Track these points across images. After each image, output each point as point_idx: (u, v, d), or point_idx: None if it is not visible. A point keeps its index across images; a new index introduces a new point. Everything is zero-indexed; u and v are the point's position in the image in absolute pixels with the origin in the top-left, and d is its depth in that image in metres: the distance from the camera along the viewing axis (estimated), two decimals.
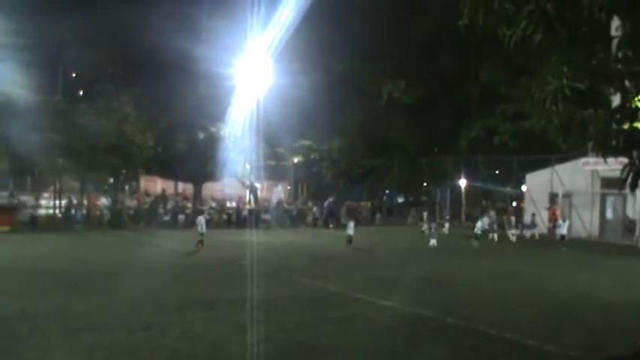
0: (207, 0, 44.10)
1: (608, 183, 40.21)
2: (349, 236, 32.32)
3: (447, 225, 43.50)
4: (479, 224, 36.97)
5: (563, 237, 36.08)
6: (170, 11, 41.20)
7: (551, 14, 7.39)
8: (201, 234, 29.42)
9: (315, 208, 50.50)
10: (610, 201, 42.45)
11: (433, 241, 34.55)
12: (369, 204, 58.92)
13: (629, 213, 40.13)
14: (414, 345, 12.78)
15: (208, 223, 42.95)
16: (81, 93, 49.56)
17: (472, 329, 14.16)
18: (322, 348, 12.21)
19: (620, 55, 7.86)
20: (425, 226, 42.35)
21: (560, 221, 37.53)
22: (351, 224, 33.09)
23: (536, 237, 39.83)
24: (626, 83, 7.95)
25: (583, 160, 40.53)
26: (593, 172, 41.79)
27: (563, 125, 8.61)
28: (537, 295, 19.01)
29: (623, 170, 8.53)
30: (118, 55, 44.33)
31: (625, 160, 8.67)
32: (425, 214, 45.65)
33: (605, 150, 8.67)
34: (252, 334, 12.51)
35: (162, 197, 49.50)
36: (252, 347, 11.67)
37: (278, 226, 45.21)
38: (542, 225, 43.31)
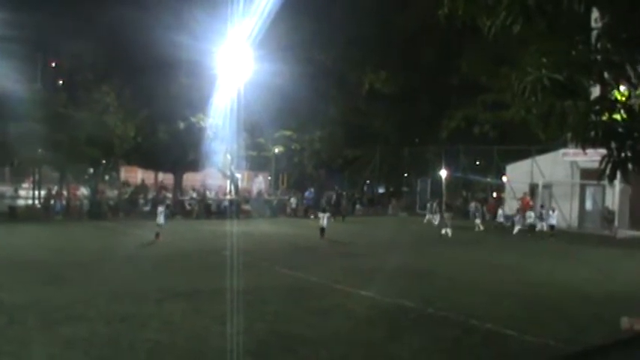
0: None
1: (587, 174, 40.42)
2: (322, 228, 31.66)
3: (435, 216, 43.37)
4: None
5: (552, 227, 36.41)
6: (151, 2, 40.96)
7: (531, 5, 7.40)
8: (159, 225, 28.49)
9: (292, 199, 50.39)
10: (589, 192, 42.72)
11: (447, 230, 35.44)
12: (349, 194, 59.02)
13: (608, 204, 40.35)
14: (395, 335, 12.80)
15: (189, 213, 43.06)
16: (61, 83, 49.21)
17: (453, 320, 14.20)
18: (302, 338, 12.21)
19: (599, 46, 7.88)
20: (428, 216, 42.67)
21: (550, 212, 37.65)
22: (326, 215, 32.51)
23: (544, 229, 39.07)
24: (605, 75, 7.97)
25: (563, 151, 40.69)
26: (573, 163, 42.01)
27: (543, 116, 8.64)
28: (517, 286, 19.09)
29: (601, 162, 8.57)
30: (99, 45, 44.00)
31: (604, 151, 8.71)
32: (431, 204, 45.63)
33: (584, 141, 8.70)
34: (233, 325, 12.48)
35: (143, 187, 49.29)
36: (232, 338, 11.64)
37: (258, 217, 45.14)
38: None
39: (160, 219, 28.63)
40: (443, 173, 54.09)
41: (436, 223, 41.96)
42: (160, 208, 29.66)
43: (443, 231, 35.56)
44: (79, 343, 11.40)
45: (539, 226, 37.64)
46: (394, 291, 17.17)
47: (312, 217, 45.17)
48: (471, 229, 38.27)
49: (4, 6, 35.64)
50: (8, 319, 12.89)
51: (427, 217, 43.32)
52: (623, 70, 7.78)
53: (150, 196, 46.91)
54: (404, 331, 13.16)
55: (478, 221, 40.32)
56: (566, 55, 7.76)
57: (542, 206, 40.22)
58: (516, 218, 39.97)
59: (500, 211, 43.41)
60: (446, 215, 38.13)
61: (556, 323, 14.33)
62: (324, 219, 31.90)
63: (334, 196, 50.55)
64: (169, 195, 47.42)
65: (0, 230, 31.98)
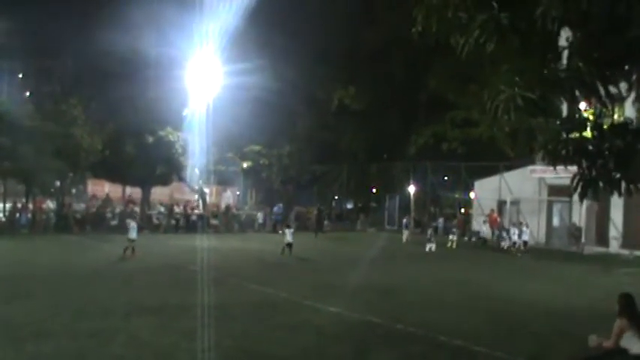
0: (157, 3, 43.72)
1: (555, 190, 40.80)
2: (288, 244, 30.41)
3: (406, 231, 43.40)
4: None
5: (525, 243, 36.79)
6: (119, 15, 40.76)
7: (505, 24, 7.45)
8: (131, 240, 27.61)
9: (259, 214, 50.30)
10: (557, 208, 43.05)
11: (432, 246, 36.12)
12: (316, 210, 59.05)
13: (575, 220, 40.67)
14: (363, 351, 12.77)
15: (157, 227, 42.78)
16: (28, 94, 48.82)
17: (421, 336, 14.20)
18: (270, 355, 12.15)
19: (571, 64, 7.95)
20: (406, 233, 42.75)
21: (523, 228, 37.95)
22: (290, 231, 31.32)
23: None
24: (577, 93, 8.03)
25: (530, 167, 41.02)
26: (541, 180, 42.33)
27: (512, 133, 8.73)
28: (486, 302, 19.16)
29: (572, 179, 8.64)
30: (67, 57, 43.75)
31: (571, 168, 8.78)
32: (407, 221, 45.67)
33: (555, 159, 8.76)
34: (201, 341, 12.38)
35: (108, 201, 48.91)
36: (200, 355, 11.55)
37: (226, 231, 45.00)
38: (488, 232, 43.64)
39: (132, 234, 27.82)
40: (411, 189, 54.39)
41: (404, 239, 42.09)
42: (132, 223, 28.88)
43: (427, 247, 35.95)
44: (45, 358, 11.24)
45: (505, 243, 37.98)
46: (363, 307, 17.15)
47: (280, 232, 45.06)
48: (441, 245, 38.30)
49: None
50: None
51: (405, 233, 43.29)
52: (595, 88, 7.85)
53: (117, 210, 46.51)
54: (372, 347, 13.12)
55: (452, 237, 40.28)
56: (539, 74, 7.81)
57: (514, 224, 40.40)
58: (504, 234, 39.91)
59: (479, 227, 43.65)
60: (429, 231, 38.41)
61: (524, 339, 14.40)
62: (289, 235, 30.90)
63: (315, 212, 50.56)
64: (137, 209, 47.10)
65: None
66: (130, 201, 49.65)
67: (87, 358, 11.46)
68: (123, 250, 27.46)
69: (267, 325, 14.72)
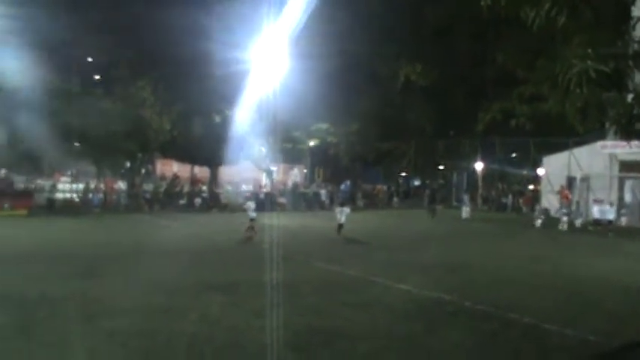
0: None
1: (626, 166, 39.98)
2: (340, 224, 29.40)
3: (467, 209, 43.15)
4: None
5: (610, 222, 36.03)
6: None
7: None
8: (252, 219, 27.53)
9: (322, 192, 50.26)
10: (628, 184, 42.15)
11: (538, 221, 37.30)
12: (385, 187, 58.83)
13: None
14: (432, 329, 12.73)
15: (225, 206, 43.18)
16: (98, 78, 49.63)
17: (491, 313, 14.09)
18: (340, 333, 12.16)
19: None
20: (466, 210, 42.54)
21: (607, 207, 37.19)
22: (346, 210, 30.25)
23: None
24: None
25: (601, 143, 40.25)
26: (612, 156, 41.49)
27: (581, 108, 8.52)
28: (556, 279, 18.93)
29: None
30: (135, 40, 44.28)
31: None
32: (465, 197, 45.46)
33: (628, 134, 8.57)
34: (271, 318, 12.48)
35: (176, 181, 49.49)
36: (270, 332, 11.64)
37: (293, 210, 45.19)
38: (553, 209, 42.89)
39: (252, 213, 27.78)
40: (479, 166, 53.86)
41: (464, 215, 41.81)
42: (250, 204, 28.99)
43: (537, 222, 36.91)
44: (118, 335, 11.46)
45: (579, 221, 37.25)
46: (432, 284, 17.11)
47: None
48: (507, 222, 37.80)
49: (41, 3, 35.96)
50: (49, 312, 12.99)
51: (464, 210, 42.98)
52: None
53: (185, 189, 47.07)
54: (442, 325, 13.07)
55: (565, 218, 37.57)
56: (612, 46, 7.62)
57: (595, 201, 39.52)
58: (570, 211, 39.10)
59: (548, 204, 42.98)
60: (537, 208, 38.25)
61: (596, 317, 14.18)
62: (341, 214, 29.70)
63: (428, 191, 50.50)
64: (204, 188, 47.63)
65: (39, 223, 32.36)
66: (197, 180, 50.21)
67: (160, 334, 11.64)
68: (245, 230, 27.25)
69: (336, 302, 14.75)
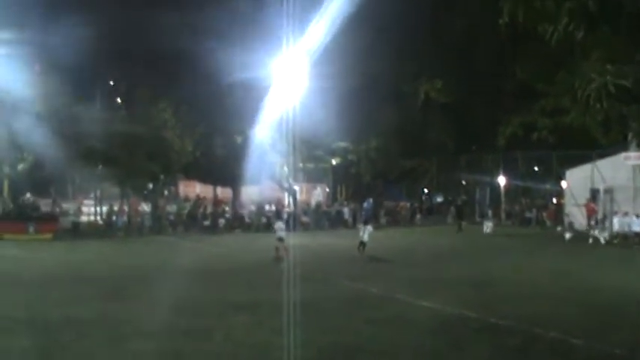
0: (244, 5, 44.17)
1: None
2: (362, 242, 28.85)
3: (489, 224, 42.99)
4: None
5: (637, 234, 35.64)
6: (207, 17, 41.34)
7: (593, 10, 7.30)
8: (281, 239, 27.12)
9: (345, 210, 50.15)
10: None
11: (567, 234, 37.35)
12: (407, 204, 58.69)
13: None
14: (458, 345, 12.71)
15: (249, 226, 43.24)
16: (119, 101, 50.01)
17: (516, 328, 14.05)
18: (364, 350, 12.19)
19: None
20: (488, 225, 42.40)
21: (633, 218, 36.81)
22: (369, 228, 29.84)
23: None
24: None
25: (624, 154, 39.93)
26: (635, 167, 41.15)
27: (604, 121, 8.52)
28: (580, 293, 18.85)
29: None
30: (156, 62, 44.62)
31: None
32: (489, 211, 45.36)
33: None
34: (294, 337, 12.48)
35: (199, 202, 49.60)
36: (294, 350, 11.65)
37: (317, 228, 45.17)
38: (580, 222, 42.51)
39: (281, 233, 27.44)
40: (501, 180, 53.63)
41: (486, 230, 41.69)
42: (280, 224, 28.82)
43: (566, 235, 36.78)
44: (145, 356, 11.54)
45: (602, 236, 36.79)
46: (455, 300, 17.06)
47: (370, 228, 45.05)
48: (532, 237, 37.57)
49: (62, 30, 36.37)
50: (76, 334, 13.09)
51: (486, 225, 42.82)
52: None
53: (209, 210, 47.16)
54: (467, 341, 13.05)
55: (594, 232, 37.12)
56: (631, 60, 7.62)
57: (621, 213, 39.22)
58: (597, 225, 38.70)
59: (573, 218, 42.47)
60: (566, 220, 39.09)
61: (623, 331, 14.09)
62: (364, 231, 29.26)
63: (452, 208, 50.71)
64: (227, 208, 47.73)
65: (64, 247, 32.54)
66: (219, 201, 50.32)
67: (185, 355, 11.71)
68: (275, 250, 26.90)
69: (360, 320, 14.77)
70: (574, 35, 7.46)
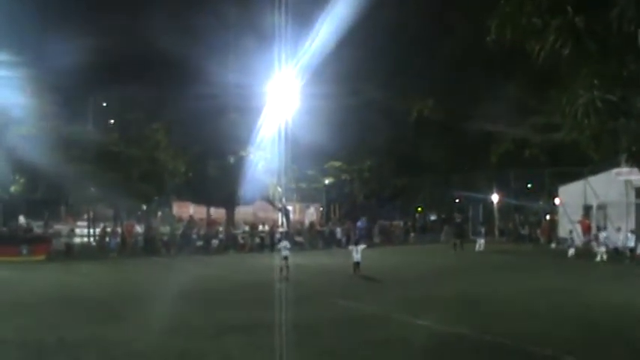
0: (236, 25, 44.38)
1: None
2: (356, 262, 28.43)
3: (481, 241, 43.01)
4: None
5: (631, 250, 35.63)
6: (200, 39, 41.54)
7: (580, 28, 7.37)
8: (286, 257, 27.03)
9: (338, 229, 50.05)
10: None
11: (572, 250, 37.32)
12: (401, 223, 58.68)
13: None
14: None
15: (242, 247, 43.15)
16: (112, 122, 50.06)
17: (511, 346, 14.04)
18: None
19: None
20: (480, 242, 42.32)
21: (628, 234, 36.81)
22: (361, 247, 29.60)
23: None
24: None
25: (616, 170, 40.06)
26: (627, 182, 41.29)
27: (595, 137, 8.55)
28: (574, 310, 18.84)
29: None
30: (149, 83, 44.75)
31: None
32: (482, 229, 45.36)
33: (639, 160, 8.61)
34: (291, 358, 12.46)
35: (193, 223, 49.54)
36: None
37: (311, 248, 45.09)
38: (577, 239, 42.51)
39: (285, 252, 27.36)
40: (494, 198, 53.76)
41: (477, 248, 41.73)
42: (284, 243, 28.42)
43: (569, 252, 37.02)
44: None
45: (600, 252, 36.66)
46: (450, 319, 17.05)
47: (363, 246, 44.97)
48: (525, 254, 37.60)
49: (53, 53, 36.49)
50: (68, 357, 13.03)
51: (478, 242, 42.83)
52: None
53: (202, 231, 47.08)
54: None
55: (600, 249, 36.47)
56: (618, 76, 7.68)
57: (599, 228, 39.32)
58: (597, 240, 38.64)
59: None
60: (569, 237, 38.91)
61: (619, 348, 14.08)
62: (357, 252, 28.86)
63: (446, 227, 50.76)
64: (221, 229, 47.66)
65: (57, 268, 32.40)
66: (213, 222, 50.23)
67: None
68: (279, 270, 26.67)
69: (356, 340, 14.72)
70: (561, 52, 7.53)
